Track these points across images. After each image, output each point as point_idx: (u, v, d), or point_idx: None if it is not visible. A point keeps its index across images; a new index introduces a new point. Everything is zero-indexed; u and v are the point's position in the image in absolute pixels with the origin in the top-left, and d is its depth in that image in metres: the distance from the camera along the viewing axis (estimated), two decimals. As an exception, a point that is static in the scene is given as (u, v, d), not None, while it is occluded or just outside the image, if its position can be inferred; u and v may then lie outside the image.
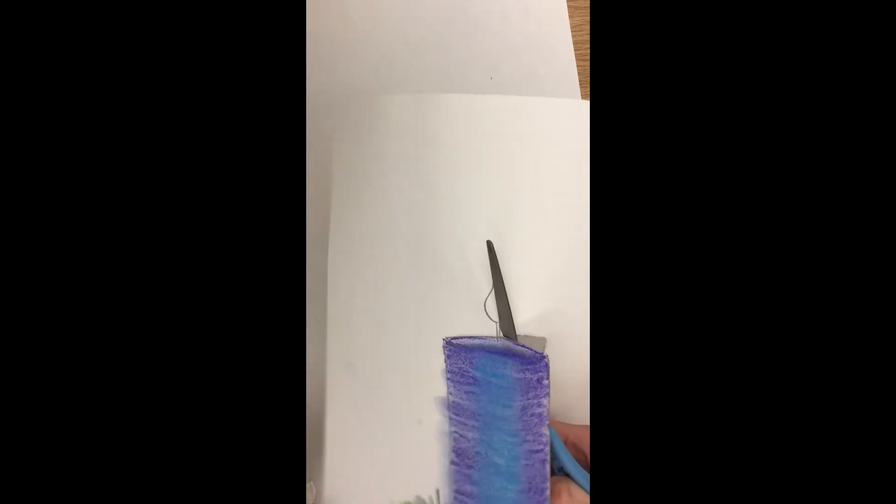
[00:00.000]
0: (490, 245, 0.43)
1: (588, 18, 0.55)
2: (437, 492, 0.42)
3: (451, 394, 0.42)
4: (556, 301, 0.44)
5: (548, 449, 0.40)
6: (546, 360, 0.41)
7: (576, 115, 0.46)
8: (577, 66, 0.55)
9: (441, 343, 0.43)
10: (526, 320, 0.44)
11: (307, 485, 0.43)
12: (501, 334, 0.43)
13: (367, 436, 0.43)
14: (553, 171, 0.45)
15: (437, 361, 0.43)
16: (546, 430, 0.40)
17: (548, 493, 0.39)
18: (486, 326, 0.44)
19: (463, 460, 0.41)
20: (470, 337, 0.43)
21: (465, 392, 0.42)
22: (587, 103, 0.46)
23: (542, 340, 0.43)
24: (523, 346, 0.42)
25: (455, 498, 0.41)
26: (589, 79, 0.53)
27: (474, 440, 0.41)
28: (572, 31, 0.55)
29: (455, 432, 0.42)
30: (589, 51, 0.54)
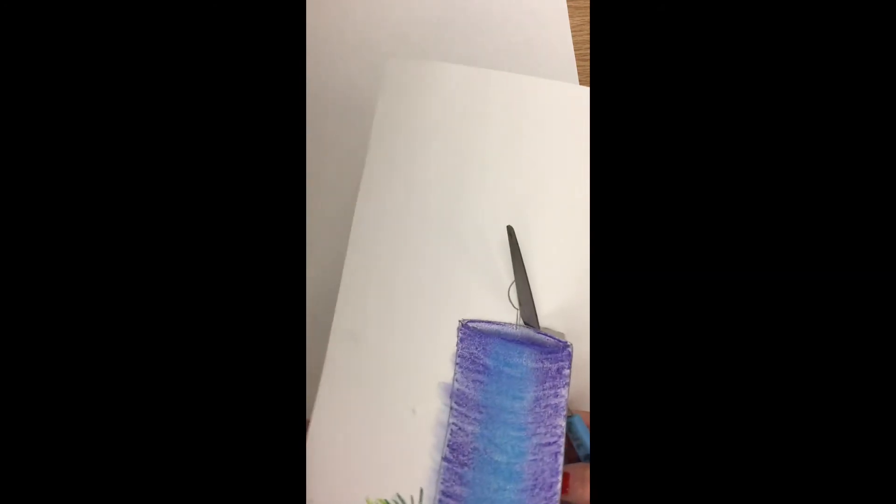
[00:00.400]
0: (511, 230, 0.41)
1: (588, 18, 0.56)
2: (421, 491, 0.37)
3: (456, 380, 0.39)
4: (579, 294, 0.42)
5: (562, 441, 0.36)
6: (570, 349, 0.38)
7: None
8: (577, 66, 0.55)
9: (456, 325, 0.40)
10: (547, 312, 0.41)
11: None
12: (522, 322, 0.40)
13: (358, 417, 0.40)
14: (583, 159, 0.44)
15: (449, 344, 0.40)
16: (562, 422, 0.36)
17: (557, 486, 0.35)
18: (507, 314, 0.41)
19: (457, 457, 0.37)
20: (488, 321, 0.40)
21: (473, 381, 0.39)
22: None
23: (561, 335, 0.40)
24: (546, 334, 0.39)
25: (440, 501, 0.37)
26: (589, 79, 0.53)
27: (473, 434, 0.38)
28: (572, 31, 0.56)
29: (454, 424, 0.38)
30: (589, 51, 0.54)
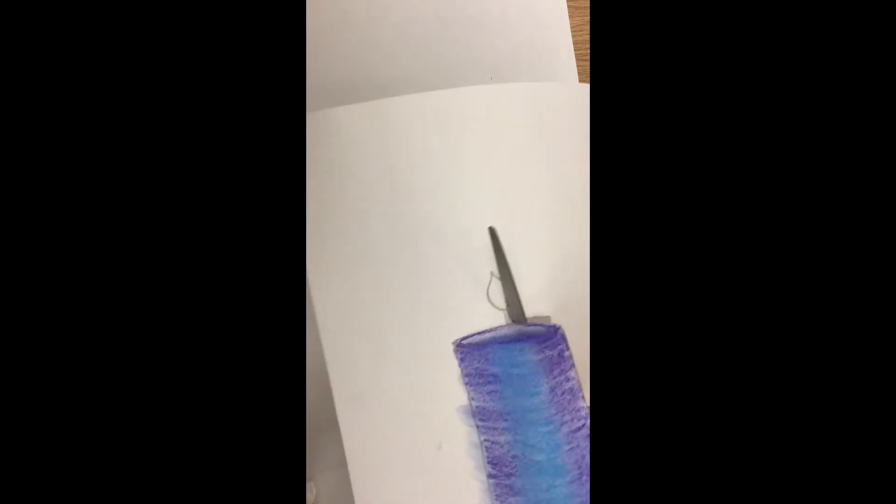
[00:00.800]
0: (493, 231, 0.40)
1: (588, 18, 0.55)
2: (481, 515, 0.38)
3: (472, 399, 0.39)
4: (561, 283, 0.41)
5: (589, 422, 0.37)
6: (561, 330, 0.38)
7: (577, 97, 0.44)
8: (577, 66, 0.55)
9: (451, 348, 0.40)
10: (530, 296, 0.40)
11: (307, 485, 0.40)
12: (511, 321, 0.40)
13: (395, 466, 0.39)
14: (553, 154, 0.43)
15: (452, 367, 0.40)
16: (583, 404, 0.37)
17: None
18: (495, 318, 0.40)
19: (501, 470, 0.37)
20: (479, 333, 0.40)
21: (488, 393, 0.39)
22: (587, 87, 0.45)
23: (547, 319, 0.40)
24: (535, 324, 0.39)
25: (500, 516, 0.37)
26: (589, 79, 0.53)
27: (508, 444, 0.38)
28: (572, 31, 0.55)
29: (486, 440, 0.38)
30: (589, 51, 0.54)
